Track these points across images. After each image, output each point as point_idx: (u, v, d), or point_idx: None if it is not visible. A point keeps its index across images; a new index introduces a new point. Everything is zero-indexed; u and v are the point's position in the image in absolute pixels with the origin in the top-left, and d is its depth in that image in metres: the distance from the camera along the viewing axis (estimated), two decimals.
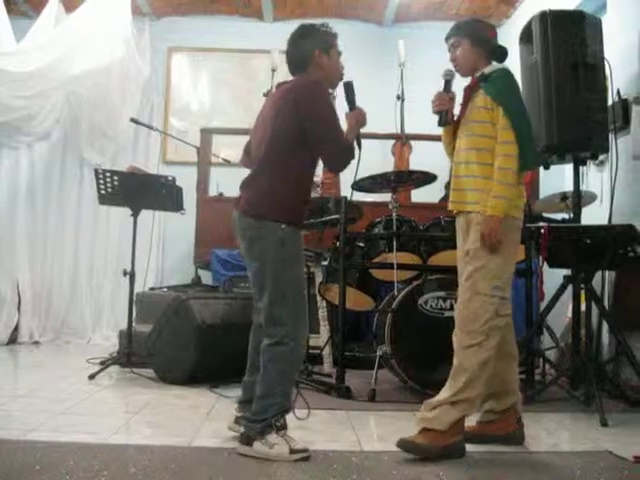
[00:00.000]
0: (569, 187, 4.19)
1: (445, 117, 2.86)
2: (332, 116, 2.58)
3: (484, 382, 2.63)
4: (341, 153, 2.61)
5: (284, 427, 2.56)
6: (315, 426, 2.98)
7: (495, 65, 2.84)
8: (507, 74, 2.79)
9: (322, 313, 4.48)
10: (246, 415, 2.62)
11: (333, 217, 4.11)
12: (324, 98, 2.61)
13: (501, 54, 2.84)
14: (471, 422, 2.83)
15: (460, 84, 2.89)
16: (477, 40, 2.83)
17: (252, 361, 2.76)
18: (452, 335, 2.73)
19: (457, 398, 2.59)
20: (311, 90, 2.61)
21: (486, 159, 2.71)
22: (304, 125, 2.57)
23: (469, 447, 2.65)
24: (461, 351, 2.65)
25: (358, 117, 2.73)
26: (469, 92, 2.82)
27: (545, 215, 4.19)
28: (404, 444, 2.56)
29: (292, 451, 2.49)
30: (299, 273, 2.64)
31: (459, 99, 2.87)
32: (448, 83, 2.90)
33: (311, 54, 2.69)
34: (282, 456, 2.48)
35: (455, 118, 2.87)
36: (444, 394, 2.63)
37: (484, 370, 2.62)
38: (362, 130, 2.77)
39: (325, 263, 4.46)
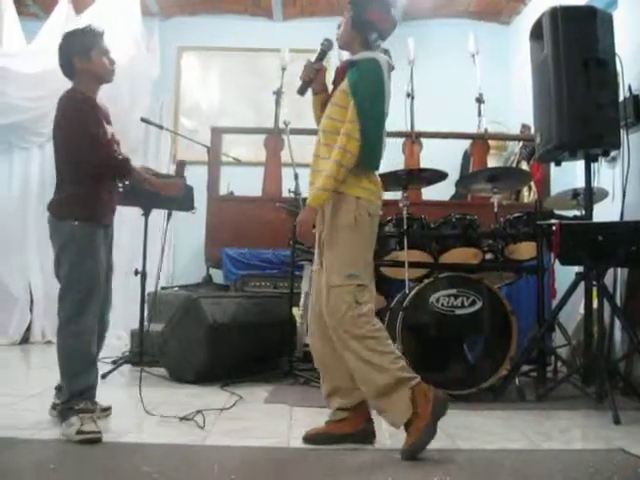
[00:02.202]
0: (580, 184, 4.17)
1: (305, 86, 2.80)
2: (74, 123, 2.71)
3: (392, 351, 2.55)
4: (85, 156, 2.72)
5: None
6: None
7: (366, 54, 2.66)
8: (370, 66, 2.61)
9: None
10: None
11: None
12: (71, 108, 2.74)
13: (375, 40, 2.68)
14: (320, 424, 2.76)
15: None
16: (356, 21, 2.67)
17: None
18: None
19: (387, 385, 2.50)
20: (62, 102, 2.76)
21: (335, 142, 2.59)
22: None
23: (466, 445, 2.66)
24: (347, 355, 2.56)
25: (168, 186, 3.06)
26: (340, 74, 2.69)
27: (556, 212, 4.17)
28: (406, 453, 2.47)
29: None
30: (92, 266, 2.75)
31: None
32: (322, 53, 2.80)
33: (71, 63, 2.78)
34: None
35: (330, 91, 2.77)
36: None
37: (377, 351, 2.52)
38: None
39: None
